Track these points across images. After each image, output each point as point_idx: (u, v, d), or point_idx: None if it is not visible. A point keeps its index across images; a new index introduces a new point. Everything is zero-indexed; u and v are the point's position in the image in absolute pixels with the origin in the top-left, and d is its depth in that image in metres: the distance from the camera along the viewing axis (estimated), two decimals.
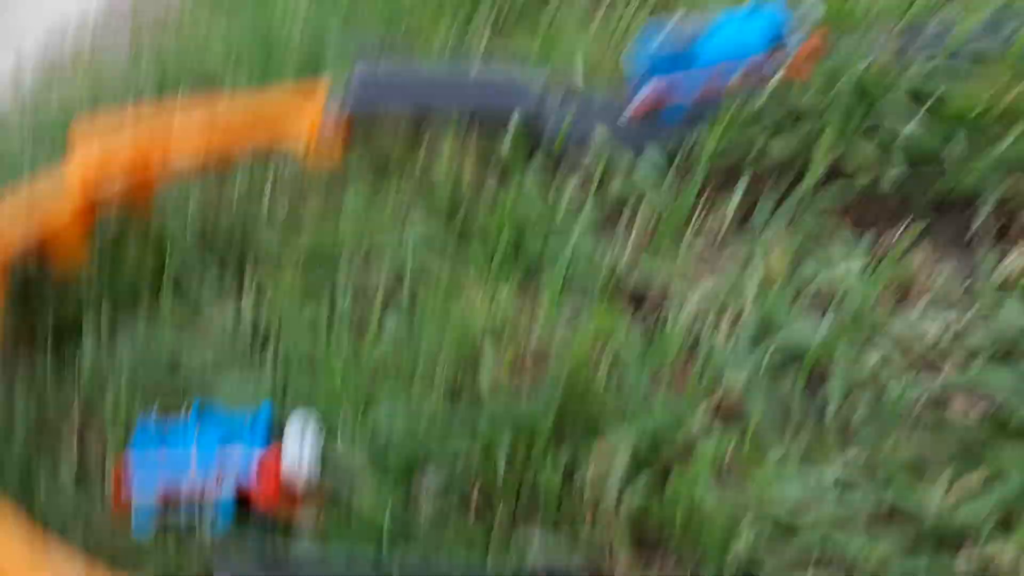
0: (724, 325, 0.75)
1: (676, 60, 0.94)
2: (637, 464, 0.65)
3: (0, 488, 0.70)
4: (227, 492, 0.66)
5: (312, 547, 0.63)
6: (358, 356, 0.76)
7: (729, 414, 0.69)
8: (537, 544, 0.61)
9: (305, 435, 0.68)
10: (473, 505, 0.64)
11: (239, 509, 0.66)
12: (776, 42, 0.91)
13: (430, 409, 0.70)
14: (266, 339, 0.83)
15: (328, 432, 0.70)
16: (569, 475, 0.65)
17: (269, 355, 0.80)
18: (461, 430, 0.68)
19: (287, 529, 0.63)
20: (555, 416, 0.67)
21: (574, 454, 0.66)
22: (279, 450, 0.67)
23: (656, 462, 0.66)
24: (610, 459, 0.64)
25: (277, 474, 0.66)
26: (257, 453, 0.67)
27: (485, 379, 0.73)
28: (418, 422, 0.69)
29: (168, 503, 0.66)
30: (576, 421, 0.68)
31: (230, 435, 0.69)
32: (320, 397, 0.74)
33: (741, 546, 0.58)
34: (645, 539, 0.62)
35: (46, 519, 0.67)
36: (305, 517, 0.65)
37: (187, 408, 0.71)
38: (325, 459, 0.68)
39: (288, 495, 0.66)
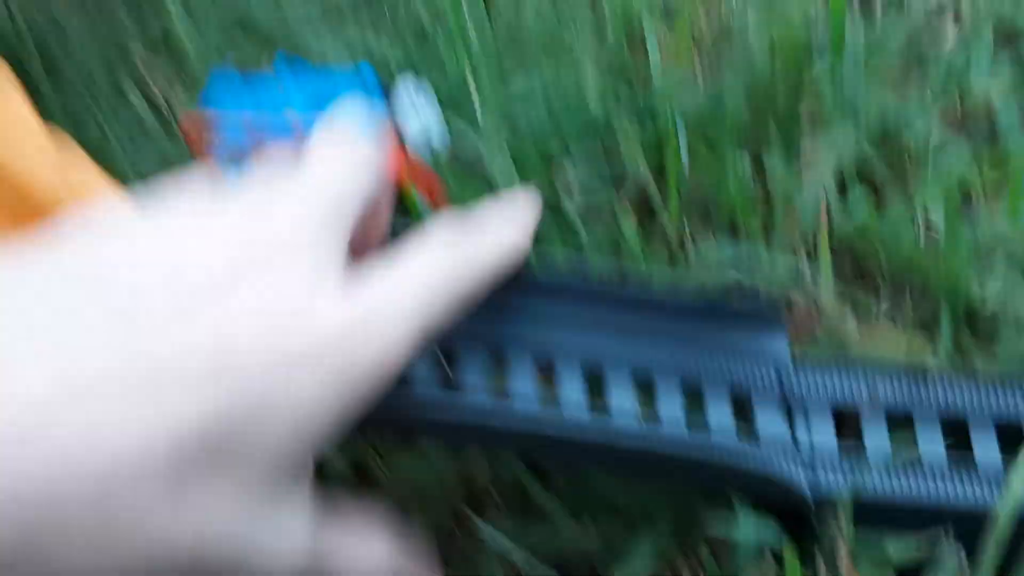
0: (969, 15, 0.59)
1: None
2: (850, 175, 0.50)
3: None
4: None
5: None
6: (487, 23, 0.60)
7: (973, 125, 0.54)
8: (718, 259, 0.47)
9: (422, 98, 0.54)
10: (633, 209, 0.51)
11: None
12: None
13: (579, 90, 0.55)
14: None
15: (446, 110, 0.55)
16: (761, 183, 0.51)
17: (371, 14, 0.64)
18: (620, 118, 0.53)
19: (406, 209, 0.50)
20: (746, 110, 0.52)
21: (766, 157, 0.52)
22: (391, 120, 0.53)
23: (875, 175, 0.51)
24: (816, 166, 0.50)
25: (396, 136, 0.52)
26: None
27: (652, 59, 0.57)
28: (564, 105, 0.54)
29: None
30: (771, 118, 0.53)
31: (326, 98, 0.54)
32: (436, 67, 0.59)
33: (982, 288, 0.45)
34: (856, 270, 0.49)
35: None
36: (431, 191, 0.52)
37: (270, 62, 0.56)
38: (448, 132, 0.54)
39: (410, 164, 0.52)
